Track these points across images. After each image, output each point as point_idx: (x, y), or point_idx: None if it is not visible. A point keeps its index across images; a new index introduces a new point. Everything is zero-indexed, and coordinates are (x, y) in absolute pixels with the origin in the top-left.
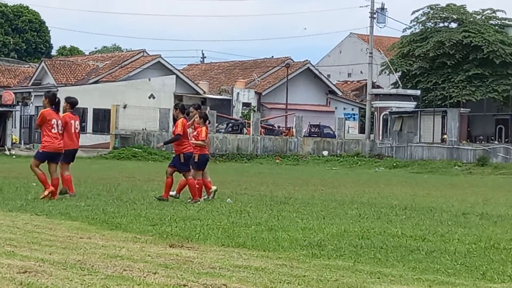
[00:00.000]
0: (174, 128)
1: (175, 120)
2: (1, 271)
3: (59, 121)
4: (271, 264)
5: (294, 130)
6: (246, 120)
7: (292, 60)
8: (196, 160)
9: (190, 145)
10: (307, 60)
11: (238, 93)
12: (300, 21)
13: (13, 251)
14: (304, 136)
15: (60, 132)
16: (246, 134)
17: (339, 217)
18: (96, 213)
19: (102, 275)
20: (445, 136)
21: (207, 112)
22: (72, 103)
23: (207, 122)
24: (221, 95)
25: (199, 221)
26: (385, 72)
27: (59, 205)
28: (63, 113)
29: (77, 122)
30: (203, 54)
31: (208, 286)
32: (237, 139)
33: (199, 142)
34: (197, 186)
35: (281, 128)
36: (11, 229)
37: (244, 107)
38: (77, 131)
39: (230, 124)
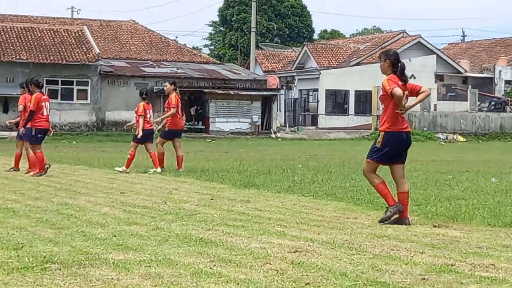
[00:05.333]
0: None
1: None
2: (273, 251)
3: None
4: None
5: None
6: (509, 98)
7: None
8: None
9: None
10: None
11: (500, 71)
12: None
13: (283, 231)
14: None
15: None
16: (509, 112)
17: None
18: (361, 193)
19: (370, 255)
20: None
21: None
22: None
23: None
24: (483, 73)
25: (464, 200)
26: None
27: (325, 186)
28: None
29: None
30: (463, 32)
31: (476, 266)
32: (500, 118)
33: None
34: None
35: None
36: (280, 209)
37: (507, 85)
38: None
39: (492, 103)
